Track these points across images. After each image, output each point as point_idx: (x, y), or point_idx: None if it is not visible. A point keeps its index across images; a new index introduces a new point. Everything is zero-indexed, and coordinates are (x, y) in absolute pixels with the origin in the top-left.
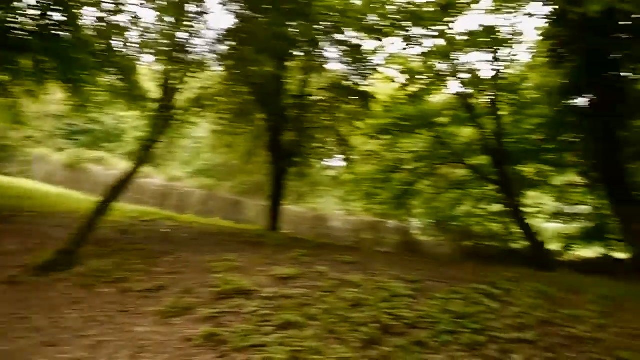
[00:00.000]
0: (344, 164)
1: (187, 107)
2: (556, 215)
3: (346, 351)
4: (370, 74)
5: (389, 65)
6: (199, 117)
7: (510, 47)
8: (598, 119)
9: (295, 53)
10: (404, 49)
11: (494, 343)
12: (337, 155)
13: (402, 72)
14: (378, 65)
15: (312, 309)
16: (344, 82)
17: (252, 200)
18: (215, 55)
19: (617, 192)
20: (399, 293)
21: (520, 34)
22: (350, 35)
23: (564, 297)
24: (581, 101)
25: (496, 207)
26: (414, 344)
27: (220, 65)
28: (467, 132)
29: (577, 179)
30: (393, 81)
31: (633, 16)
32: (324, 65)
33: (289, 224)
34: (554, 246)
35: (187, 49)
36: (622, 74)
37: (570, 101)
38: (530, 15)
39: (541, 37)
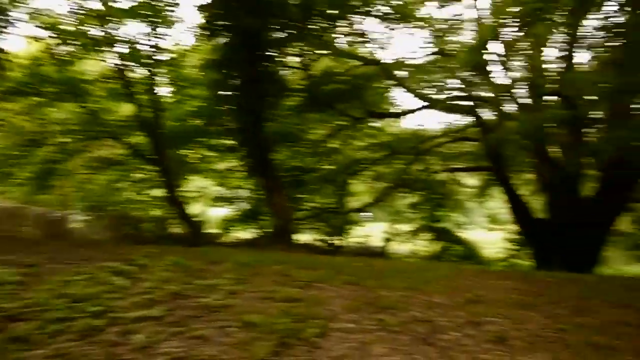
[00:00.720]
0: None
1: None
2: (218, 200)
3: None
4: (5, 27)
5: (33, 21)
6: None
7: (171, 22)
8: (247, 97)
9: None
10: None
11: (115, 325)
12: None
13: (47, 30)
14: (18, 19)
15: None
16: None
17: None
18: None
19: (262, 168)
20: (2, 281)
21: (178, 6)
22: None
23: (203, 268)
24: (234, 79)
25: (158, 191)
26: (11, 341)
27: None
28: (124, 108)
29: (237, 164)
30: (37, 40)
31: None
32: None
33: None
34: (215, 229)
35: None
36: (270, 54)
37: (225, 78)
38: None
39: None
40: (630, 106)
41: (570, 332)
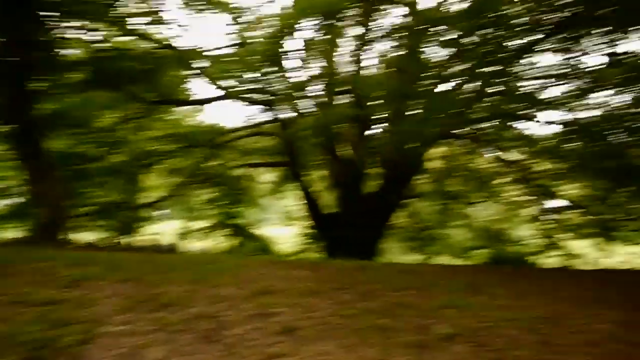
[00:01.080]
0: None
1: None
2: None
3: None
4: None
5: None
6: None
7: None
8: (14, 68)
9: None
10: None
11: None
12: None
13: None
14: None
15: None
16: None
17: None
18: None
19: (32, 155)
20: None
21: None
22: None
23: None
24: None
25: None
26: None
27: None
28: None
29: (3, 150)
30: None
31: None
32: None
33: None
34: None
35: None
36: (46, 20)
37: None
38: None
39: None
40: (407, 109)
41: (357, 317)
